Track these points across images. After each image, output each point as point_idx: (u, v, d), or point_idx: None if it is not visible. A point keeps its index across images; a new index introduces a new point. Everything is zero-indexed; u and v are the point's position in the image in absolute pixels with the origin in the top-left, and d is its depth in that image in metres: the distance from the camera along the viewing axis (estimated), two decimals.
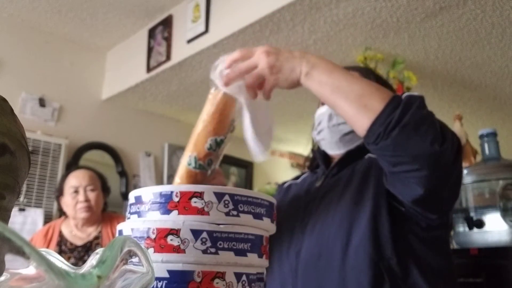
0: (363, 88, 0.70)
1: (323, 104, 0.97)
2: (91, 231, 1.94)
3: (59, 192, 1.99)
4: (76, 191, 1.91)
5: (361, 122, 0.69)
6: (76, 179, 1.94)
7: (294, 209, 0.93)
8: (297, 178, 1.08)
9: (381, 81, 1.00)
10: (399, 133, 0.65)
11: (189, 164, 0.74)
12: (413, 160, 0.67)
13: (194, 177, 0.75)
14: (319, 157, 1.00)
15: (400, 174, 0.71)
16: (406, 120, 0.65)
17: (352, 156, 0.92)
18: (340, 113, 0.73)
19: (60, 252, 1.86)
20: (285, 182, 1.10)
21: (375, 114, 0.67)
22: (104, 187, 2.02)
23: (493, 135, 1.48)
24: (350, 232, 0.79)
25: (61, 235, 1.92)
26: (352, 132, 0.91)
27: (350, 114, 0.70)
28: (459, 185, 0.77)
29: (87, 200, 1.90)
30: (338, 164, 0.93)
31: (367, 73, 0.98)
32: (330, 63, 0.74)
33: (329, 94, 0.71)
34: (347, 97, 0.70)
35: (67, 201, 1.92)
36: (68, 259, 1.83)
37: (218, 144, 0.75)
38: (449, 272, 0.83)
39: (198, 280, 0.45)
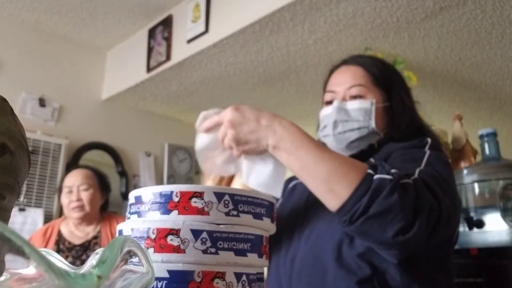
0: (330, 170, 0.65)
1: (327, 103, 0.95)
2: (90, 231, 1.94)
3: (60, 191, 2.00)
4: (70, 191, 1.92)
5: (329, 205, 0.67)
6: (70, 179, 1.96)
7: (295, 213, 0.91)
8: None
9: (389, 71, 0.96)
10: (363, 223, 0.64)
11: None
12: (378, 244, 0.68)
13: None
14: None
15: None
16: (371, 211, 0.62)
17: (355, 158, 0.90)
18: (309, 188, 0.70)
19: (58, 251, 1.86)
20: (291, 179, 1.06)
21: (341, 201, 0.64)
22: (103, 186, 2.02)
23: (493, 135, 1.48)
24: (343, 242, 0.76)
25: (59, 234, 1.93)
26: (359, 138, 0.89)
27: (318, 195, 0.68)
28: (447, 233, 0.74)
29: (79, 199, 1.90)
30: None
31: (373, 64, 0.94)
32: (297, 134, 0.68)
33: (297, 170, 0.69)
34: (314, 178, 0.66)
35: (63, 200, 1.94)
36: (66, 258, 1.83)
37: None
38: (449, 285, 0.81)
39: (198, 280, 0.45)
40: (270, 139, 0.69)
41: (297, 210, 0.92)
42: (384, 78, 0.93)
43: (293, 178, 1.05)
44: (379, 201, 0.62)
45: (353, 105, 0.90)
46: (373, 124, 0.88)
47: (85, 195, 1.92)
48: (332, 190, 0.65)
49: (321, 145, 0.69)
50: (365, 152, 0.89)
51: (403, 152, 0.81)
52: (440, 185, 0.71)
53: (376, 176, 0.65)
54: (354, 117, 0.89)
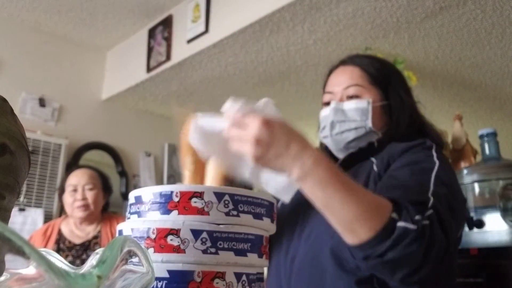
0: (355, 211, 0.62)
1: (326, 104, 0.95)
2: (90, 230, 1.94)
3: (61, 190, 2.00)
4: (75, 190, 1.92)
5: (346, 240, 0.65)
6: (75, 178, 1.95)
7: (295, 213, 0.91)
8: None
9: (386, 70, 0.95)
10: (377, 265, 0.64)
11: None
12: (386, 279, 0.69)
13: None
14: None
15: None
16: (388, 257, 0.62)
17: (354, 158, 0.90)
18: (329, 221, 0.67)
19: (58, 250, 1.86)
20: None
21: (359, 241, 0.63)
22: (105, 187, 2.03)
23: (493, 135, 1.48)
24: (342, 243, 0.74)
25: (60, 233, 1.93)
26: (357, 138, 0.89)
27: (336, 228, 0.65)
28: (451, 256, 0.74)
29: (84, 198, 1.90)
30: (341, 165, 0.91)
31: (370, 64, 0.94)
32: (327, 172, 0.63)
33: (319, 206, 0.65)
34: (337, 217, 0.64)
35: (66, 199, 1.94)
36: (65, 257, 1.84)
37: None
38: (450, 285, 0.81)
39: (198, 280, 0.45)
40: (296, 171, 0.62)
41: (297, 210, 0.91)
42: (382, 77, 0.92)
43: None
44: (399, 249, 0.62)
45: (349, 105, 0.90)
46: (369, 123, 0.88)
47: (90, 195, 1.92)
48: (353, 231, 0.63)
49: (349, 183, 0.65)
50: (364, 150, 0.88)
51: (409, 158, 0.79)
52: (449, 206, 0.71)
53: (400, 224, 0.63)
54: (351, 117, 0.89)
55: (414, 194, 0.70)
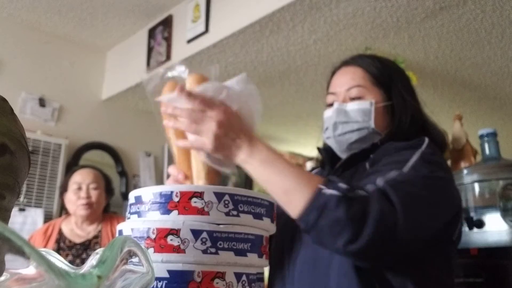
0: (289, 183, 0.71)
1: (329, 105, 0.95)
2: (91, 230, 1.94)
3: (63, 188, 2.00)
4: (79, 188, 1.92)
5: (291, 214, 0.71)
6: (80, 176, 1.96)
7: None
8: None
9: (389, 70, 0.95)
10: (316, 235, 0.69)
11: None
12: (336, 253, 0.72)
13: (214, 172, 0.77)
14: (325, 156, 0.98)
15: None
16: (319, 224, 0.67)
17: (356, 158, 0.89)
18: (274, 198, 0.74)
19: (59, 249, 1.87)
20: None
21: (297, 212, 0.69)
22: (108, 188, 2.04)
23: (493, 135, 1.48)
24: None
25: (60, 232, 1.93)
26: (359, 139, 0.89)
27: (282, 205, 0.72)
28: (420, 240, 0.73)
29: (88, 197, 1.91)
30: (342, 165, 0.91)
31: (372, 64, 0.94)
32: (268, 154, 0.74)
33: (261, 181, 0.74)
34: (276, 189, 0.72)
35: (70, 197, 1.94)
36: (66, 256, 1.84)
37: None
38: (449, 284, 0.81)
39: (198, 280, 0.45)
40: (244, 153, 0.74)
41: None
42: (384, 77, 0.92)
43: None
44: (326, 214, 0.66)
45: (352, 106, 0.90)
46: (372, 124, 0.88)
47: (94, 194, 1.93)
48: (291, 202, 0.70)
49: (286, 162, 0.74)
50: (366, 151, 0.88)
51: (394, 154, 0.80)
52: (414, 190, 0.71)
53: (324, 191, 0.68)
54: (354, 118, 0.89)
55: (372, 179, 0.72)
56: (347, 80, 0.93)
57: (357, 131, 0.89)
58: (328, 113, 0.94)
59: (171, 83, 0.79)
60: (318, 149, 1.03)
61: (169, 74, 0.79)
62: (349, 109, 0.90)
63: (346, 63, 0.97)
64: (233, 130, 0.74)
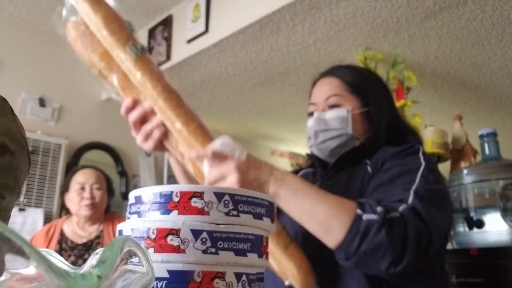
0: (325, 212, 0.71)
1: (310, 115, 1.00)
2: (93, 230, 1.94)
3: (65, 188, 1.99)
4: (83, 188, 1.92)
5: (328, 244, 0.72)
6: (83, 176, 1.95)
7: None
8: (296, 172, 1.08)
9: (364, 79, 0.99)
10: (358, 260, 0.70)
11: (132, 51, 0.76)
12: (376, 274, 0.74)
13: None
14: (315, 161, 1.02)
15: None
16: (362, 249, 0.69)
17: (347, 158, 0.93)
18: (309, 231, 0.75)
19: (61, 250, 1.86)
20: None
21: (337, 241, 0.70)
22: (109, 189, 2.04)
23: (493, 135, 1.48)
24: None
25: (62, 233, 1.93)
26: (339, 146, 0.94)
27: (317, 235, 0.73)
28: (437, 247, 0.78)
29: (92, 197, 1.91)
30: (334, 166, 0.94)
31: (348, 74, 0.98)
32: (296, 182, 0.74)
33: (295, 214, 0.74)
34: (312, 220, 0.72)
35: (72, 197, 1.93)
36: (68, 257, 1.84)
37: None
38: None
39: (198, 280, 0.45)
40: (271, 186, 0.74)
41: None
42: (359, 85, 0.97)
43: None
44: (368, 240, 0.68)
45: (330, 115, 0.95)
46: (350, 130, 0.93)
47: (98, 194, 1.93)
48: (329, 231, 0.71)
49: (315, 188, 0.75)
50: (356, 150, 0.92)
51: (398, 162, 0.84)
52: (434, 201, 0.76)
53: (364, 217, 0.70)
54: (332, 126, 0.94)
55: (397, 193, 0.76)
56: (325, 90, 0.98)
57: (337, 138, 0.94)
58: (310, 122, 0.99)
59: (73, 23, 0.82)
60: (308, 155, 1.08)
61: (64, 13, 0.80)
62: (327, 118, 0.95)
63: (324, 74, 1.03)
64: (256, 166, 0.74)
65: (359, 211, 0.70)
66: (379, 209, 0.70)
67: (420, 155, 0.85)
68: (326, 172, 0.96)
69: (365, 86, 0.97)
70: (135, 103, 0.79)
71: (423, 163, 0.82)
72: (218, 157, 0.73)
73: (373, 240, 0.68)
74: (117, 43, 0.77)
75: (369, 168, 0.87)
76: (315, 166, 1.05)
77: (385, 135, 0.93)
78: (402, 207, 0.72)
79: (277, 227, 0.75)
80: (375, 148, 0.92)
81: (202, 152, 0.73)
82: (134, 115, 0.80)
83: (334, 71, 1.01)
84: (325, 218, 0.71)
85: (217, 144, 0.74)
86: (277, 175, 0.74)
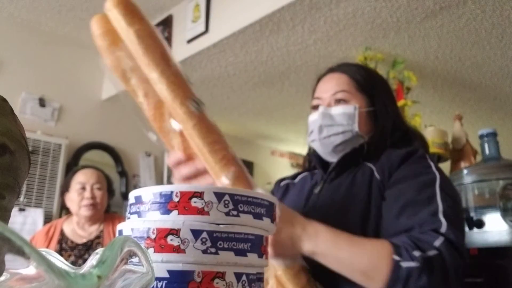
0: (364, 263, 0.71)
1: (314, 108, 0.98)
2: (93, 230, 1.94)
3: (65, 188, 1.99)
4: (83, 188, 1.92)
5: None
6: (84, 176, 1.95)
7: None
8: (294, 177, 1.08)
9: (372, 78, 0.99)
10: None
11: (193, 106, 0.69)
12: None
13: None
14: (316, 161, 1.01)
15: None
16: None
17: (348, 159, 0.92)
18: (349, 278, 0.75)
19: (61, 249, 1.86)
20: (282, 179, 1.10)
21: (379, 286, 0.71)
22: (109, 189, 2.04)
23: (493, 135, 1.48)
24: None
25: (62, 233, 1.93)
26: (344, 142, 0.93)
27: (359, 282, 0.73)
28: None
29: (93, 197, 1.90)
30: (335, 169, 0.94)
31: (357, 72, 0.98)
32: (328, 234, 0.73)
33: (334, 268, 0.73)
34: (352, 272, 0.72)
35: (73, 197, 1.93)
36: (68, 257, 1.84)
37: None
38: None
39: (198, 280, 0.45)
40: (306, 243, 0.72)
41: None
42: (368, 84, 0.96)
43: (285, 179, 1.08)
44: (409, 286, 0.69)
45: (337, 110, 0.94)
46: (356, 127, 0.92)
47: (98, 194, 1.93)
48: (372, 278, 0.71)
49: (349, 236, 0.74)
50: (357, 150, 0.92)
51: (409, 170, 0.83)
52: (457, 218, 0.77)
53: (403, 265, 0.70)
54: (338, 122, 0.93)
55: (425, 219, 0.75)
56: (333, 85, 0.97)
57: (342, 134, 0.93)
58: (314, 116, 0.97)
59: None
60: (308, 155, 1.07)
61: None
62: (334, 113, 0.94)
63: (332, 70, 1.01)
64: (288, 222, 0.72)
65: (396, 257, 0.70)
66: (416, 253, 0.70)
67: (429, 162, 0.85)
68: (327, 175, 0.95)
69: (373, 86, 0.96)
70: (188, 158, 0.75)
71: (437, 174, 0.82)
72: None
73: (416, 286, 0.69)
74: (176, 98, 0.69)
75: (376, 175, 0.86)
76: (312, 168, 1.05)
77: (389, 137, 0.93)
78: (438, 242, 0.72)
79: (295, 266, 0.74)
80: (378, 150, 0.91)
81: None
82: (185, 171, 0.76)
83: (343, 68, 0.99)
84: (364, 269, 0.71)
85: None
86: (310, 232, 0.73)
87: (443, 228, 0.74)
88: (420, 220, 0.75)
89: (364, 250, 0.72)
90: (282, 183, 1.08)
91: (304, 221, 0.74)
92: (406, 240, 0.73)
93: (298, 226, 0.73)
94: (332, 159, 0.96)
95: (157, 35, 0.72)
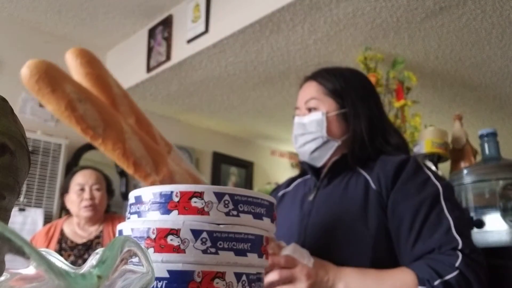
0: None
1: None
2: (93, 231, 1.94)
3: (64, 189, 1.99)
4: (82, 189, 1.92)
5: None
6: (83, 177, 1.95)
7: (289, 224, 0.96)
8: (288, 184, 1.10)
9: (343, 80, 0.99)
10: None
11: None
12: None
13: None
14: (307, 168, 1.02)
15: None
16: None
17: (339, 166, 0.94)
18: None
19: (60, 249, 1.86)
20: (279, 187, 1.12)
21: None
22: (109, 189, 2.04)
23: (493, 135, 1.48)
24: (348, 263, 0.83)
25: (62, 233, 1.93)
26: (317, 148, 0.95)
27: None
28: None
29: (92, 198, 1.90)
30: (327, 175, 0.95)
31: (325, 77, 0.99)
32: (358, 275, 0.78)
33: None
34: None
35: (72, 198, 1.93)
36: (68, 257, 1.84)
37: None
38: None
39: (198, 280, 0.45)
40: (339, 285, 0.78)
41: (290, 220, 0.96)
42: (336, 87, 0.97)
43: (281, 187, 1.09)
44: None
45: (308, 118, 0.97)
46: (325, 133, 0.94)
47: (97, 195, 1.93)
48: None
49: (376, 274, 0.79)
50: (347, 156, 0.93)
51: (411, 188, 0.85)
52: (469, 230, 0.83)
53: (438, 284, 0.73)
54: (309, 129, 0.96)
55: (442, 240, 0.79)
56: (305, 94, 1.00)
57: (313, 141, 0.95)
58: (294, 130, 1.01)
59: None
60: (300, 163, 1.08)
61: None
62: (305, 121, 0.97)
63: (306, 79, 1.04)
64: (322, 269, 0.79)
65: None
66: (436, 283, 0.74)
67: (427, 171, 0.86)
68: (320, 182, 0.96)
69: (342, 88, 0.97)
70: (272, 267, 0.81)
71: (438, 186, 0.84)
72: (290, 260, 0.78)
73: None
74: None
75: (372, 185, 0.87)
76: (305, 174, 1.06)
77: (367, 137, 0.94)
78: (458, 262, 0.76)
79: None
80: (365, 154, 0.92)
81: (276, 258, 0.78)
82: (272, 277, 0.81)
83: (314, 75, 1.02)
84: None
85: (289, 250, 0.81)
86: (341, 275, 0.78)
87: (460, 245, 0.77)
88: (437, 242, 0.78)
89: (391, 283, 0.76)
90: (279, 193, 1.10)
91: (336, 267, 0.80)
92: (426, 268, 0.76)
93: (331, 272, 0.79)
94: (317, 164, 0.98)
95: None
